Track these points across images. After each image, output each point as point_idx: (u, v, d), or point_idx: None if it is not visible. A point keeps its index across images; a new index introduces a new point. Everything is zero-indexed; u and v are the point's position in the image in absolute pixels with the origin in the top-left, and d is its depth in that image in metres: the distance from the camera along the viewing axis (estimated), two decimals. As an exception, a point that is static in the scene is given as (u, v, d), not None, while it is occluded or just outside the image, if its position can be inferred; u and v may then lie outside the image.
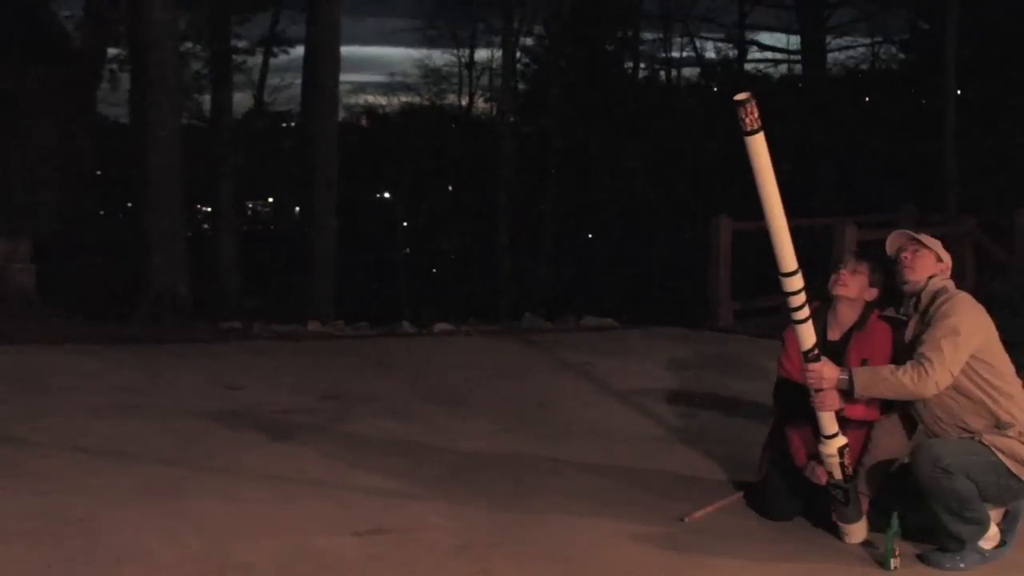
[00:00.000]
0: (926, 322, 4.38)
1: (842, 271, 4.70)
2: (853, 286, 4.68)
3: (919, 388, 4.25)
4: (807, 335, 4.24)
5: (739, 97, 3.85)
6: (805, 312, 4.17)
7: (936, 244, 4.61)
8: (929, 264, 4.53)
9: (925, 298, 4.46)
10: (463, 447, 5.92)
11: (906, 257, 4.55)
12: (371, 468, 5.42)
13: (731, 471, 5.51)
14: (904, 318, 4.57)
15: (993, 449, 4.21)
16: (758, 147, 3.94)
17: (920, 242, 4.57)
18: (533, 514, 4.79)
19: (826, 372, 4.30)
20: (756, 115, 3.87)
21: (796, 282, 4.12)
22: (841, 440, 4.39)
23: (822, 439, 4.40)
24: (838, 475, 4.41)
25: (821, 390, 4.31)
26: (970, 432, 4.29)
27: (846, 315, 4.70)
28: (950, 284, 4.50)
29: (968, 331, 4.27)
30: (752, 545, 4.49)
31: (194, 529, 4.45)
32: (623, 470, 5.55)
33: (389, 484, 5.16)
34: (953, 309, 4.32)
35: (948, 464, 4.14)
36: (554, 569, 4.21)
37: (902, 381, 4.26)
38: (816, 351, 4.29)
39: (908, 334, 4.50)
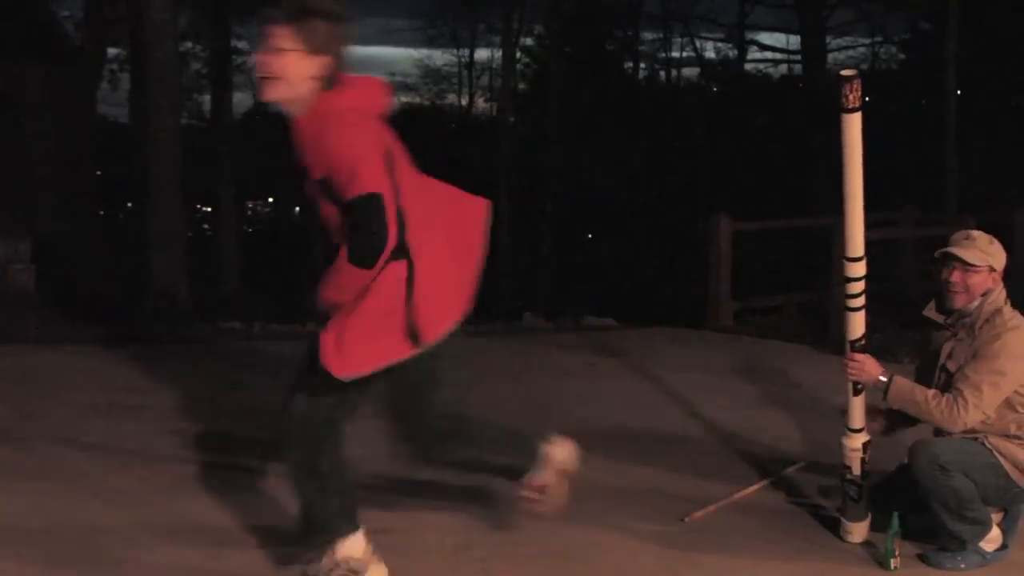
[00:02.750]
0: (974, 348, 4.23)
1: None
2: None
3: (946, 423, 4.19)
4: (858, 324, 4.24)
5: (846, 73, 3.91)
6: (861, 301, 4.18)
7: (990, 252, 4.29)
8: (982, 281, 4.27)
9: (977, 318, 4.27)
10: (463, 447, 5.90)
11: (956, 282, 4.27)
12: (371, 468, 5.41)
13: (731, 471, 5.51)
14: (947, 326, 4.38)
15: (995, 452, 4.21)
16: (854, 127, 3.94)
17: (967, 262, 4.26)
18: (533, 514, 4.78)
19: (868, 366, 4.26)
20: (859, 93, 3.90)
21: (860, 268, 4.14)
22: (865, 436, 4.39)
23: (847, 431, 4.40)
24: (857, 471, 4.41)
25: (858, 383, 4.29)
26: (975, 433, 4.28)
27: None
28: (1006, 308, 4.27)
29: (1014, 375, 4.17)
30: (752, 545, 4.48)
31: (193, 529, 4.45)
32: (623, 470, 5.55)
33: (389, 484, 5.16)
34: (1004, 348, 4.16)
35: (946, 462, 4.14)
36: (554, 569, 4.21)
37: (931, 411, 4.19)
38: (864, 342, 4.28)
39: (945, 348, 4.34)
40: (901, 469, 4.47)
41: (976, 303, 4.28)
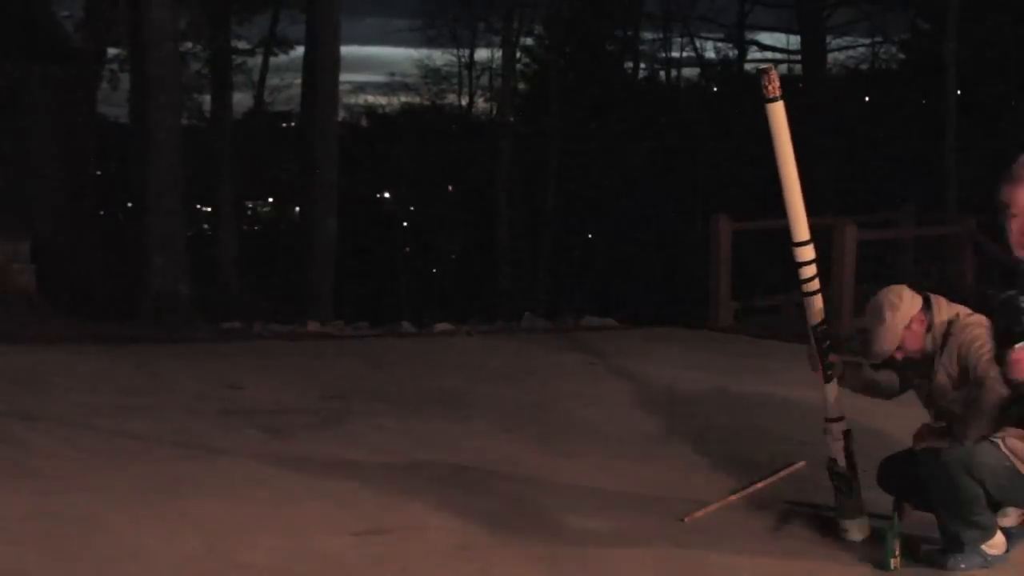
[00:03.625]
0: (957, 354, 4.22)
1: None
2: None
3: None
4: (816, 308, 4.31)
5: (763, 67, 4.20)
6: (816, 284, 4.26)
7: (896, 318, 4.23)
8: (912, 338, 4.26)
9: (939, 344, 4.26)
10: (463, 447, 5.91)
11: (900, 358, 4.30)
12: (371, 468, 5.42)
13: (731, 471, 5.51)
14: (926, 377, 4.35)
15: (1011, 456, 4.17)
16: (778, 115, 4.16)
17: (894, 341, 4.24)
18: (533, 514, 4.79)
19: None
20: (777, 84, 4.12)
21: (809, 252, 4.22)
22: (844, 425, 4.40)
23: (825, 421, 4.41)
24: (842, 462, 4.42)
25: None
26: (993, 436, 4.19)
27: None
28: (951, 315, 4.28)
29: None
30: (752, 545, 4.48)
31: (194, 529, 4.45)
32: (623, 470, 5.55)
33: (389, 484, 5.16)
34: (970, 344, 4.17)
35: (948, 461, 4.13)
36: (553, 569, 4.21)
37: (996, 398, 4.06)
38: (826, 326, 4.39)
39: (926, 388, 4.33)
40: (907, 456, 4.46)
41: (928, 341, 4.28)
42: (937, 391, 4.31)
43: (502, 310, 18.06)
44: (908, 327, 4.27)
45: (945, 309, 4.33)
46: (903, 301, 4.29)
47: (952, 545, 4.25)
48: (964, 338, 4.22)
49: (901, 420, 4.96)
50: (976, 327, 4.24)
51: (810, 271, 4.22)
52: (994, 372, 4.09)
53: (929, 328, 4.29)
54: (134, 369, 7.79)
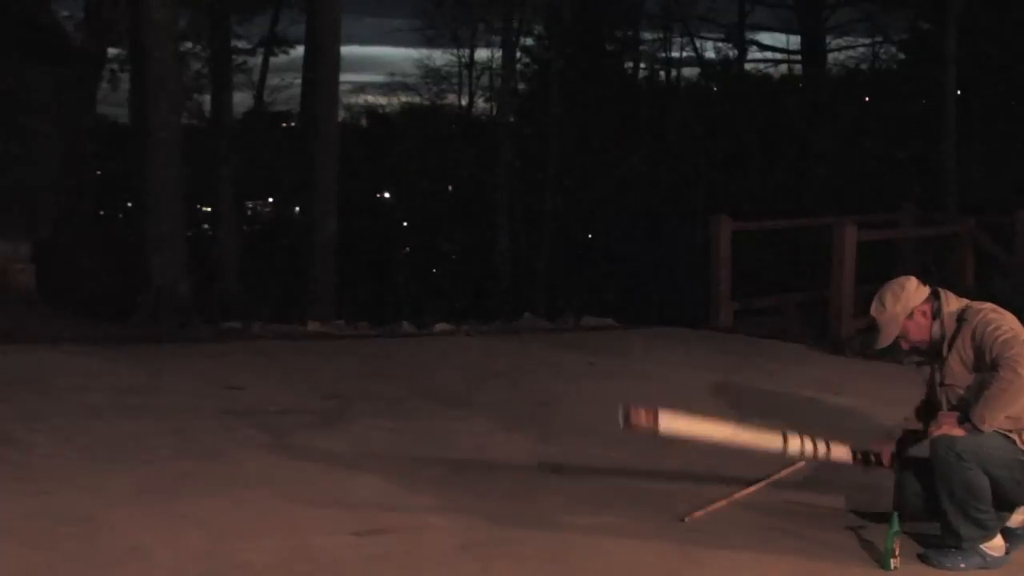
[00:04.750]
0: (969, 348, 4.26)
1: None
2: None
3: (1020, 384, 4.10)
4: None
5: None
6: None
7: (897, 308, 4.34)
8: (916, 328, 4.36)
9: (947, 337, 4.33)
10: (463, 447, 5.92)
11: (905, 348, 4.42)
12: (371, 468, 5.42)
13: (731, 471, 5.50)
14: (934, 369, 4.45)
15: (1021, 446, 4.19)
16: None
17: (892, 338, 4.37)
18: (533, 514, 4.79)
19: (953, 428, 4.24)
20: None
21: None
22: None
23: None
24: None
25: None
26: (1009, 431, 4.22)
27: None
28: (960, 305, 4.35)
29: (1010, 329, 4.19)
30: (752, 544, 4.49)
31: (194, 529, 4.45)
32: (623, 470, 5.55)
33: (389, 484, 5.16)
34: (988, 324, 4.21)
35: (962, 451, 4.13)
36: (554, 569, 4.21)
37: (1004, 390, 4.10)
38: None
39: (937, 378, 4.40)
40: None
41: (936, 329, 4.35)
42: (950, 376, 4.34)
43: (502, 310, 18.06)
44: (911, 317, 4.34)
45: (955, 300, 4.39)
46: (905, 291, 4.37)
47: (951, 541, 4.25)
48: (978, 321, 4.25)
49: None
50: (991, 312, 4.28)
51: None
52: (1009, 353, 4.10)
53: (936, 316, 4.33)
54: (134, 369, 7.79)
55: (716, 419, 4.60)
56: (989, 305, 4.35)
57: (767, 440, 4.58)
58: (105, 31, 15.87)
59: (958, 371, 4.33)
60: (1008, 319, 4.27)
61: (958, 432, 4.20)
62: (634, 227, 23.05)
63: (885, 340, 4.40)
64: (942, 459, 4.18)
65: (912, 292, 4.38)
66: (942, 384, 4.41)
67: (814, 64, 23.98)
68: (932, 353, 4.42)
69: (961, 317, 4.32)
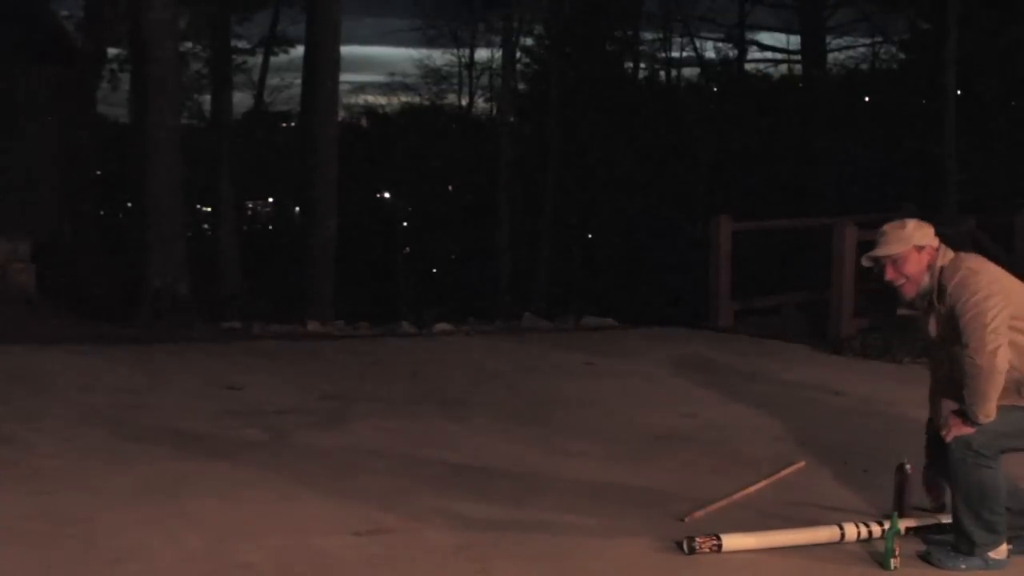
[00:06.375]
0: (955, 309, 4.20)
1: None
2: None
3: (984, 371, 4.07)
4: None
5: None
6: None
7: (905, 236, 4.31)
8: (916, 263, 4.29)
9: (937, 289, 4.27)
10: (463, 447, 5.92)
11: (892, 278, 4.32)
12: (371, 468, 5.42)
13: (731, 471, 5.51)
14: (922, 311, 4.37)
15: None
16: None
17: (891, 256, 4.30)
18: (533, 514, 4.79)
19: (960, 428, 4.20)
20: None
21: None
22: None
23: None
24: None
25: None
26: None
27: None
28: (948, 260, 4.28)
29: (1004, 294, 4.16)
30: (752, 545, 4.49)
31: (194, 529, 4.45)
32: (623, 470, 5.55)
33: (389, 484, 5.16)
34: (973, 284, 4.16)
35: (979, 446, 4.11)
36: (554, 569, 4.21)
37: (977, 381, 4.08)
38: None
39: (932, 327, 4.34)
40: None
41: (926, 281, 4.29)
42: (944, 329, 4.27)
43: (502, 310, 18.06)
44: (919, 248, 4.28)
45: (948, 254, 4.32)
46: (926, 227, 4.34)
47: (964, 547, 4.24)
48: (954, 286, 4.20)
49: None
50: (969, 274, 4.21)
51: None
52: (971, 343, 4.08)
53: (930, 266, 4.27)
54: (134, 369, 7.79)
55: (770, 531, 4.52)
56: (971, 261, 4.29)
57: (824, 534, 4.48)
58: (105, 31, 15.88)
59: (936, 328, 4.29)
60: (984, 277, 4.20)
61: (967, 431, 4.16)
62: (634, 227, 23.05)
63: (886, 251, 4.29)
64: (958, 460, 4.16)
65: (930, 232, 4.33)
66: (941, 340, 4.33)
67: (814, 64, 23.94)
68: (922, 307, 4.35)
69: (949, 269, 4.26)
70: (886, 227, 4.37)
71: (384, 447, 5.89)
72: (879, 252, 4.33)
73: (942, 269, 4.28)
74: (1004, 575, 4.26)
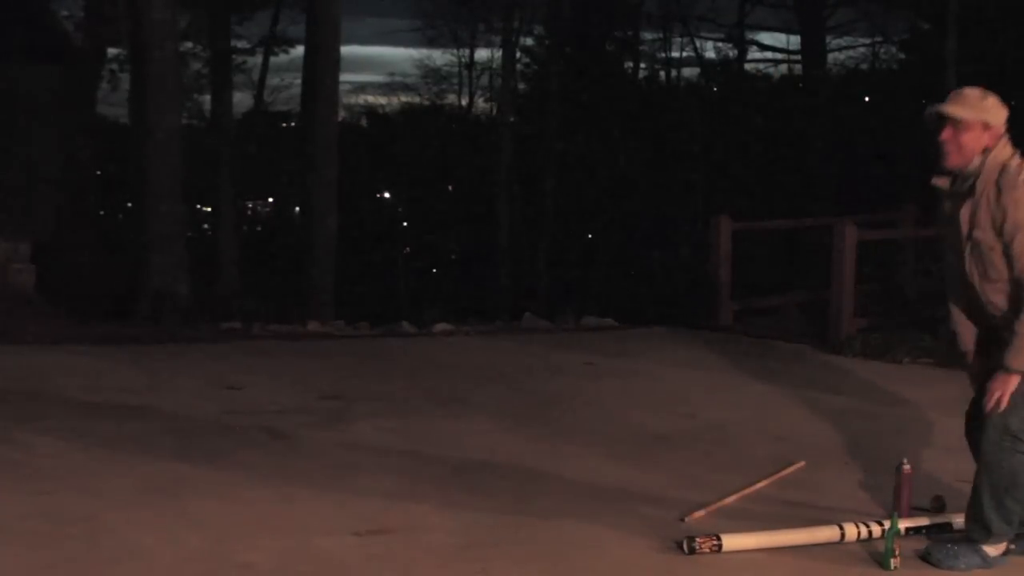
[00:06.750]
0: (995, 214, 3.95)
1: None
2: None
3: None
4: None
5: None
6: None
7: (982, 107, 3.99)
8: (975, 138, 3.97)
9: (979, 177, 3.97)
10: (463, 447, 5.91)
11: (946, 140, 3.98)
12: (371, 468, 5.42)
13: (731, 471, 5.51)
14: (953, 193, 4.09)
15: None
16: None
17: (955, 118, 3.97)
18: (533, 514, 4.79)
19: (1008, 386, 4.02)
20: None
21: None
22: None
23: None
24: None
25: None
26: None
27: None
28: (1012, 164, 3.97)
29: None
30: (752, 545, 4.48)
31: (194, 529, 4.45)
32: (623, 470, 5.55)
33: (389, 484, 5.16)
34: (1018, 209, 3.90)
35: (1018, 430, 4.03)
36: (554, 569, 4.21)
37: None
38: None
39: (964, 215, 4.03)
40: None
41: (976, 162, 4.01)
42: (979, 228, 4.00)
43: (502, 310, 18.05)
44: (986, 126, 4.01)
45: (1008, 149, 4.05)
46: (1004, 111, 4.08)
47: (975, 532, 4.22)
48: (1008, 200, 3.93)
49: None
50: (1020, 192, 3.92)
51: None
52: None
53: (986, 150, 4.00)
54: (134, 369, 7.79)
55: (770, 531, 4.50)
56: None
57: (824, 534, 4.44)
58: (105, 31, 15.88)
59: (984, 222, 3.99)
60: None
61: (1010, 389, 3.95)
62: (634, 227, 23.05)
63: (962, 112, 3.99)
64: (994, 443, 4.03)
65: (1003, 116, 4.05)
66: (970, 237, 4.03)
67: (814, 64, 23.95)
68: (960, 190, 4.05)
69: (1002, 171, 3.98)
70: (967, 89, 4.10)
71: (384, 447, 5.89)
72: (947, 108, 4.02)
73: (1003, 167, 3.98)
74: (1004, 575, 4.26)
